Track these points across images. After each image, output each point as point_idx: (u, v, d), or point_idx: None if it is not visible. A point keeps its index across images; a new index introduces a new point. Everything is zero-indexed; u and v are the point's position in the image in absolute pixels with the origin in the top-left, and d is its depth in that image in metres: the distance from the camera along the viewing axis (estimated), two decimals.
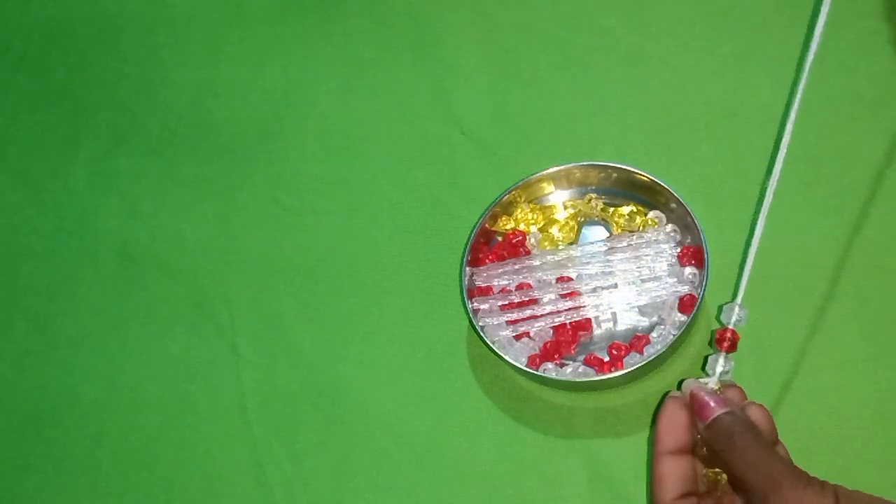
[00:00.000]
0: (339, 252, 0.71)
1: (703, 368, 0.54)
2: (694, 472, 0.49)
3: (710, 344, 0.55)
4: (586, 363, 0.61)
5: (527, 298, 0.63)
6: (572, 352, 0.62)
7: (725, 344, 0.53)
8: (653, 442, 0.50)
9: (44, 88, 0.87)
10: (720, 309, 0.55)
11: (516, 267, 0.65)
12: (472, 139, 0.74)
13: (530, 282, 0.64)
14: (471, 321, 0.62)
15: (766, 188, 0.54)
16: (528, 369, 0.59)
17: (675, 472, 0.48)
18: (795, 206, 0.64)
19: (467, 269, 0.64)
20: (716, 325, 0.61)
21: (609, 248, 0.64)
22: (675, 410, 0.49)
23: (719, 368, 0.52)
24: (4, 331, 0.74)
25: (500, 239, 0.67)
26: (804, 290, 0.61)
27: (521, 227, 0.67)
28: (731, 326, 0.53)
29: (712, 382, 0.52)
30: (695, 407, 0.49)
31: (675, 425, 0.49)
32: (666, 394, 0.56)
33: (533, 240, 0.67)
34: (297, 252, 0.72)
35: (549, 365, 0.61)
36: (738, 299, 0.53)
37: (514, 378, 0.63)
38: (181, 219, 0.76)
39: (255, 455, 0.64)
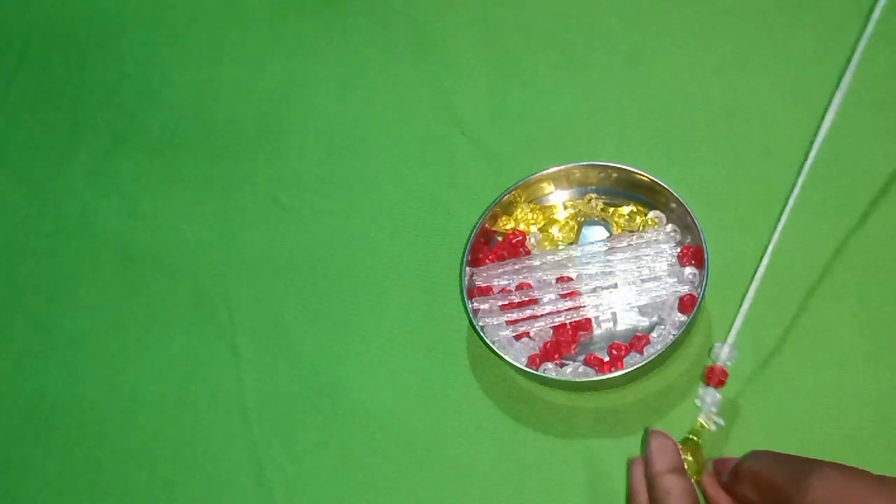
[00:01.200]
0: (339, 252, 0.71)
1: (695, 402, 0.55)
2: (694, 487, 0.49)
3: (700, 377, 0.56)
4: (586, 363, 0.61)
5: (527, 298, 0.63)
6: (572, 352, 0.62)
7: (714, 381, 0.54)
8: (647, 466, 0.50)
9: (44, 88, 0.87)
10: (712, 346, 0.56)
11: (516, 267, 0.65)
12: (472, 139, 0.74)
13: (530, 282, 0.64)
14: (471, 321, 0.62)
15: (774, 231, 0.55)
16: (528, 369, 0.59)
17: (678, 484, 0.48)
18: (796, 206, 0.64)
19: (467, 269, 0.64)
20: (716, 326, 0.61)
21: (609, 248, 0.64)
22: (662, 436, 0.50)
23: (709, 399, 0.54)
24: (4, 331, 0.74)
25: (500, 239, 0.67)
26: (804, 289, 0.61)
27: (521, 227, 0.67)
28: (719, 365, 0.54)
29: (703, 418, 0.54)
30: (719, 468, 0.51)
31: (666, 447, 0.50)
32: (646, 429, 0.57)
33: (533, 240, 0.67)
34: (297, 252, 0.72)
35: (549, 365, 0.61)
36: (730, 339, 0.54)
37: (514, 378, 0.63)
38: (181, 219, 0.76)
39: (255, 455, 0.64)
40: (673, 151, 0.69)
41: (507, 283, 0.65)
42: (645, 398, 0.60)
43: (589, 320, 0.62)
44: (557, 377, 0.59)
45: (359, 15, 0.83)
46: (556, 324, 0.62)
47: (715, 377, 0.54)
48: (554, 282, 0.64)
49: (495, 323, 0.62)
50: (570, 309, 0.62)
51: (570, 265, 0.64)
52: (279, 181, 0.76)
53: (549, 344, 0.62)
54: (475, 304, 0.63)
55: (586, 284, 0.63)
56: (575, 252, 0.65)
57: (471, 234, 0.65)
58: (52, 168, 0.82)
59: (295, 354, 0.68)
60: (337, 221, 0.73)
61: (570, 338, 0.62)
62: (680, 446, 0.51)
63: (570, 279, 0.64)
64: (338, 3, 0.84)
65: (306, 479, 0.63)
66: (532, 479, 0.59)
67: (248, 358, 0.68)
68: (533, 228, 0.67)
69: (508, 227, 0.67)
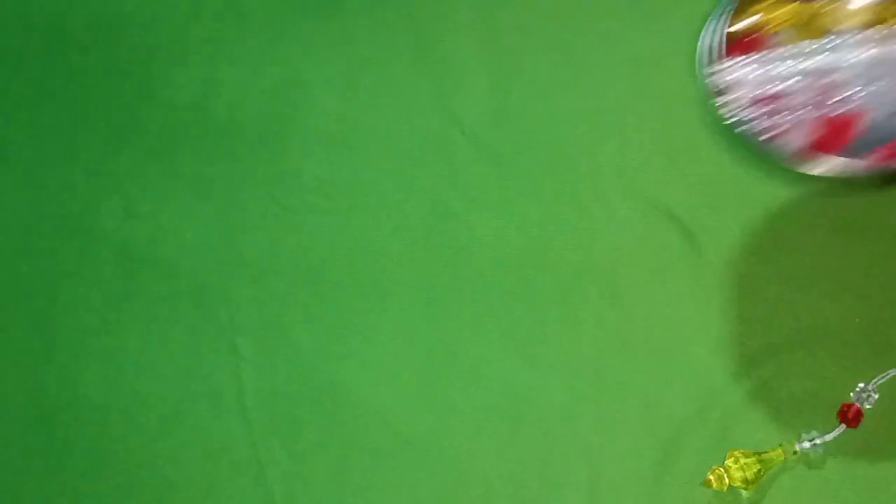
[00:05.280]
0: (340, 252, 0.71)
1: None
2: None
3: None
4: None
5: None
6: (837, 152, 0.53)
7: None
8: None
9: (44, 88, 0.87)
10: None
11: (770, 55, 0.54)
12: (472, 139, 0.74)
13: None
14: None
15: None
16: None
17: None
18: (796, 205, 0.64)
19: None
20: None
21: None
22: None
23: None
24: (4, 331, 0.74)
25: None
26: (805, 289, 0.61)
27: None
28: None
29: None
30: None
31: None
32: None
33: (782, 36, 0.54)
34: (297, 252, 0.72)
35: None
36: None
37: (514, 377, 0.63)
38: (181, 219, 0.76)
39: (255, 455, 0.64)
40: (673, 152, 0.69)
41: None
42: (646, 398, 0.60)
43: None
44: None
45: (359, 15, 0.83)
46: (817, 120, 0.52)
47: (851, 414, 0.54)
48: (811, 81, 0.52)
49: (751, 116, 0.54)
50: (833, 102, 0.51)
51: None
52: (279, 181, 0.76)
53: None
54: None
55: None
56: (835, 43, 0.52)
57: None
58: (52, 168, 0.82)
59: (295, 354, 0.68)
60: (337, 221, 0.73)
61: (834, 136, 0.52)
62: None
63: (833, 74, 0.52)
64: (338, 2, 0.84)
65: (306, 479, 0.63)
66: (532, 479, 0.59)
67: (248, 358, 0.68)
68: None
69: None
